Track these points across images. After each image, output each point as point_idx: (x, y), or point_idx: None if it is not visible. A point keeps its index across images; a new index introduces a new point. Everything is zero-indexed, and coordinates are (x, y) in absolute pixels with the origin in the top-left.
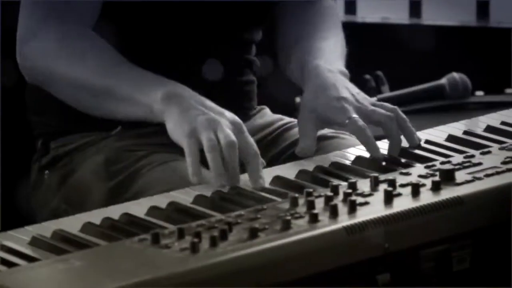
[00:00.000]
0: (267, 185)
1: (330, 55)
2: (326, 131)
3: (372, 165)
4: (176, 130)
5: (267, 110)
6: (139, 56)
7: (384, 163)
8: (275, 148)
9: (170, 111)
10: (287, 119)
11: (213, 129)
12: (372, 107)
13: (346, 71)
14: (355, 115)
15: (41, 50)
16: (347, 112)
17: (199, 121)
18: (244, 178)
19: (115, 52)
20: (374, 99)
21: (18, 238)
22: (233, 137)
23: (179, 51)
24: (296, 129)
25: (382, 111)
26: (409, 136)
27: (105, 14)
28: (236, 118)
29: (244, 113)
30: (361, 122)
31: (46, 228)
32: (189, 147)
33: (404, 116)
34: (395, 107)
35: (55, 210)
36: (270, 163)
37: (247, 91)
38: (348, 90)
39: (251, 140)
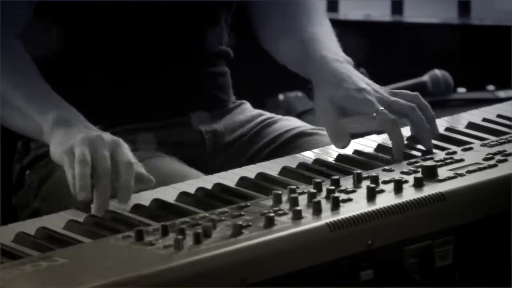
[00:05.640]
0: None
1: (330, 43)
2: (305, 128)
3: (354, 162)
4: (57, 151)
5: (247, 105)
6: (108, 54)
7: (366, 160)
8: (255, 144)
9: (56, 134)
10: (267, 114)
11: (89, 145)
12: (393, 98)
13: (351, 59)
14: (382, 108)
15: None
16: (373, 104)
17: (77, 138)
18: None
19: (30, 64)
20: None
21: (2, 236)
22: (105, 152)
23: (147, 47)
24: (276, 125)
25: (403, 101)
26: (430, 124)
27: (74, 17)
28: (118, 139)
29: (222, 105)
30: (391, 116)
31: (29, 226)
32: (68, 163)
33: (425, 102)
34: (416, 93)
35: (36, 211)
36: (250, 160)
37: (221, 82)
38: (363, 80)
39: (130, 157)
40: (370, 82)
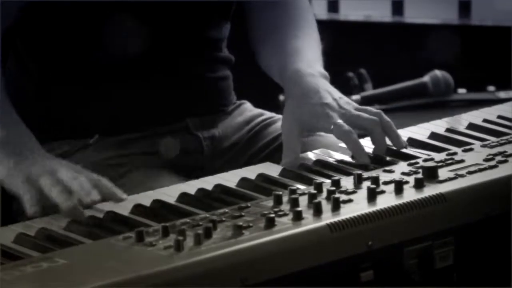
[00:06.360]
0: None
1: (310, 57)
2: None
3: (354, 163)
4: (11, 180)
5: (247, 105)
6: (104, 61)
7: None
8: (255, 145)
9: (2, 158)
10: (267, 114)
11: (50, 174)
12: (356, 112)
13: (327, 74)
14: (339, 120)
15: None
16: (331, 118)
17: (34, 169)
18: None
19: None
20: (357, 97)
21: (3, 236)
22: (76, 174)
23: (146, 53)
24: (276, 125)
25: (366, 115)
26: (394, 140)
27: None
28: (76, 165)
29: (222, 110)
30: (346, 127)
31: (30, 227)
32: (24, 188)
33: (388, 119)
34: (379, 111)
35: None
36: (250, 161)
37: (222, 87)
38: (331, 95)
39: (88, 184)
40: (338, 97)
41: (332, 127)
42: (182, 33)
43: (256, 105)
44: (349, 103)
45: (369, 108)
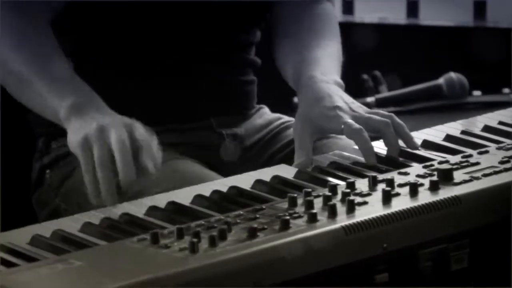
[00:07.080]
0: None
1: (326, 66)
2: None
3: (370, 165)
4: (72, 141)
5: (266, 109)
6: (134, 57)
7: (381, 163)
8: (273, 146)
9: (72, 121)
10: (285, 118)
11: (104, 138)
12: (368, 115)
13: (341, 82)
14: (350, 120)
15: None
16: (342, 119)
17: (90, 129)
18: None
19: (57, 49)
20: (372, 99)
21: (18, 238)
22: (123, 137)
23: (177, 52)
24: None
25: (378, 117)
26: (407, 142)
27: (103, 16)
28: (132, 121)
29: (244, 113)
30: (357, 125)
31: (45, 228)
32: (85, 163)
33: (400, 121)
34: (391, 113)
35: (55, 210)
36: (268, 163)
37: (247, 91)
38: (342, 99)
39: (147, 136)
40: (351, 101)
41: (342, 126)
42: (213, 35)
43: (272, 109)
44: (360, 107)
45: (380, 111)
